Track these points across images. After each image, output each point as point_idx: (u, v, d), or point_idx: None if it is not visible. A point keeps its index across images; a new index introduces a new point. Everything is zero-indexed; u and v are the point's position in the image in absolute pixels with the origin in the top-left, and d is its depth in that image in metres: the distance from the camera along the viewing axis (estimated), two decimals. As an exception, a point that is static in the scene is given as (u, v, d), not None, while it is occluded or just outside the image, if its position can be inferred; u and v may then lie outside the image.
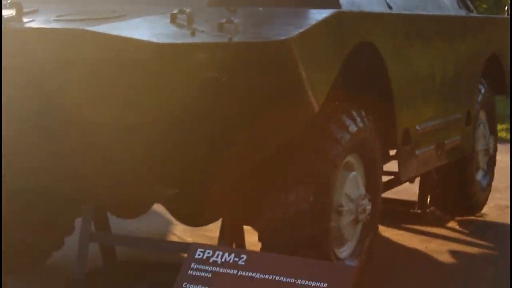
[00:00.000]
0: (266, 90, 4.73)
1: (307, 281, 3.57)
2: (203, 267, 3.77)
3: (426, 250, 8.07)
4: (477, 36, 8.41)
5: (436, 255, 7.88)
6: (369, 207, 5.91)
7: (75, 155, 5.30)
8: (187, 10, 4.89)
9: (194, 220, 6.40)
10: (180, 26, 4.88)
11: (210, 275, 3.73)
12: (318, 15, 5.07)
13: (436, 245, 8.26)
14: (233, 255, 3.76)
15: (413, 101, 6.81)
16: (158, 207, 7.56)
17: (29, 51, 4.93)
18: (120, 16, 5.02)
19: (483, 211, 9.71)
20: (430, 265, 7.57)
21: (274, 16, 5.16)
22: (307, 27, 4.77)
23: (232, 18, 4.74)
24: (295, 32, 4.62)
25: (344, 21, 5.32)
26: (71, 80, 4.88)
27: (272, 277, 3.63)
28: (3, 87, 4.98)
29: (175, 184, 5.28)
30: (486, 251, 8.19)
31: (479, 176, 9.35)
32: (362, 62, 5.67)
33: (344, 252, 5.76)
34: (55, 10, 5.32)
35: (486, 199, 9.71)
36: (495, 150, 9.90)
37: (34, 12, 5.19)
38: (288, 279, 3.60)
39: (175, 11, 4.92)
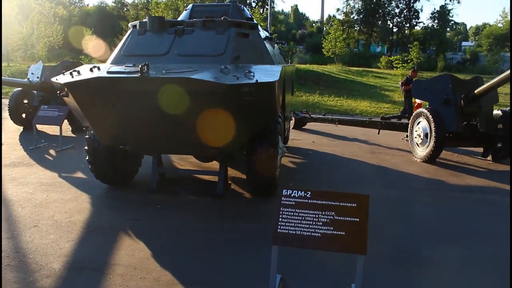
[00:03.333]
0: (267, 101, 4.60)
1: (344, 203, 3.15)
2: (289, 199, 3.26)
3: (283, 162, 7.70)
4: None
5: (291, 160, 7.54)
6: (285, 150, 5.92)
7: (158, 132, 4.78)
8: (228, 66, 4.31)
9: (206, 160, 5.88)
10: (226, 73, 4.25)
11: (294, 202, 3.24)
12: (279, 68, 4.81)
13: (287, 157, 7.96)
14: (303, 192, 3.28)
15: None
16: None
17: (156, 87, 4.09)
18: (194, 70, 4.26)
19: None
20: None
21: (263, 69, 4.64)
22: (278, 75, 4.52)
23: (250, 70, 4.25)
24: (276, 78, 4.42)
25: (284, 70, 5.20)
26: (176, 100, 4.17)
27: (326, 202, 3.18)
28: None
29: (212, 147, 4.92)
30: (298, 159, 7.93)
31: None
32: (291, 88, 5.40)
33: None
34: (159, 67, 4.40)
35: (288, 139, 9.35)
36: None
37: (151, 68, 4.26)
38: (334, 203, 3.18)
39: (222, 67, 4.30)
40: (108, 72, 4.21)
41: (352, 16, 54.24)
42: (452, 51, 55.95)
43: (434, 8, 54.63)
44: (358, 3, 53.79)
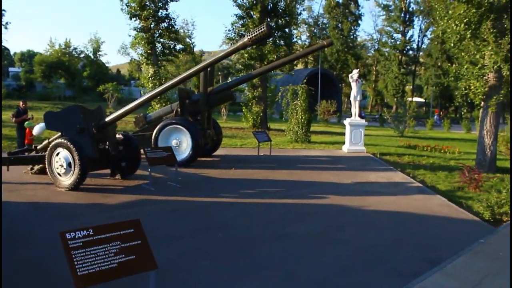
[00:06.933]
0: None
1: (123, 231, 3.56)
2: (75, 241, 3.26)
3: None
4: None
5: None
6: None
7: None
8: None
9: None
10: None
11: (81, 243, 3.29)
12: None
13: None
14: (84, 230, 3.35)
15: None
16: None
17: None
18: None
19: None
20: None
21: None
22: None
23: None
24: None
25: None
26: None
27: (109, 234, 3.47)
28: None
29: None
30: None
31: None
32: None
33: None
34: None
35: None
36: None
37: None
38: (115, 233, 3.51)
39: None
40: None
41: None
42: (-1, 77, 54.33)
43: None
44: None
